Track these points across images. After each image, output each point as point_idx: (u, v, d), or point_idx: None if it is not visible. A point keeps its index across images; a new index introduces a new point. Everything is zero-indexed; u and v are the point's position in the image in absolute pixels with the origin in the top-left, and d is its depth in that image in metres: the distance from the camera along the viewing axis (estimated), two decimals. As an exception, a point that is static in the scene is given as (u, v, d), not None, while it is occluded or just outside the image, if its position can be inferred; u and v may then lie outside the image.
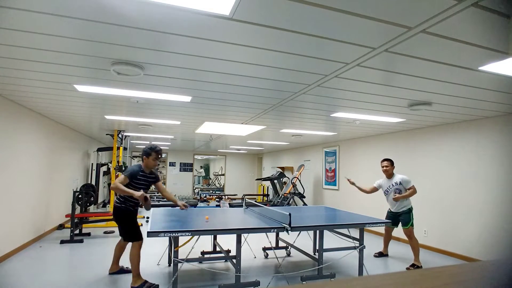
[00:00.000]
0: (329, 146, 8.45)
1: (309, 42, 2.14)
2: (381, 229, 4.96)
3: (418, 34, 1.95)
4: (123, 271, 3.75)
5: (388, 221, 3.97)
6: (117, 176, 7.12)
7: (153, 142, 10.14)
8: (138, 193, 3.23)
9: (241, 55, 2.40)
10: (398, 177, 4.46)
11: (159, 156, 3.57)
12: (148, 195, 3.37)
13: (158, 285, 3.36)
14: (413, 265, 4.36)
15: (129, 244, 3.50)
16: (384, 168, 4.54)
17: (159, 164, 3.49)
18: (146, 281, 3.34)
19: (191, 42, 2.18)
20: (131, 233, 3.49)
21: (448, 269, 0.60)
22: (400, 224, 4.47)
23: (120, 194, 3.37)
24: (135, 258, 3.38)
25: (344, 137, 7.43)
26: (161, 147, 3.58)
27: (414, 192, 4.38)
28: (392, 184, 4.47)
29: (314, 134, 6.91)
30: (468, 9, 1.64)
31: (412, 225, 4.37)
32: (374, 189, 4.70)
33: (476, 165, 4.62)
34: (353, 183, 4.70)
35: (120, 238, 3.69)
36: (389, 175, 4.53)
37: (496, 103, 3.70)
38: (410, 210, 4.43)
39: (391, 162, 4.55)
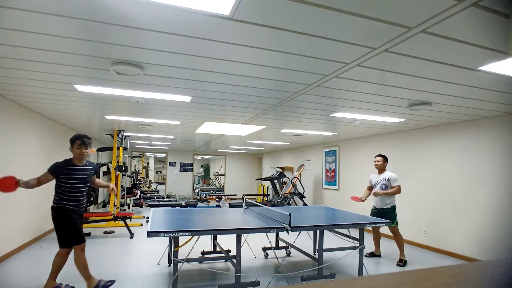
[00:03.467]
0: (329, 146, 8.45)
1: (309, 42, 2.14)
2: (381, 229, 4.98)
3: (418, 34, 1.95)
4: None
5: (388, 221, 3.97)
6: (116, 177, 7.13)
7: (152, 142, 10.15)
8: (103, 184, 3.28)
9: (241, 55, 2.40)
10: (387, 174, 4.56)
11: (83, 144, 3.18)
12: (111, 185, 3.47)
13: (114, 280, 3.31)
14: (400, 260, 4.51)
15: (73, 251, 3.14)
16: (376, 162, 4.66)
17: (86, 153, 3.23)
18: (100, 280, 3.21)
19: (191, 42, 2.18)
20: (67, 236, 3.08)
21: (448, 269, 0.60)
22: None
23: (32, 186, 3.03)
24: (82, 263, 3.10)
25: (344, 137, 7.44)
26: (85, 134, 3.24)
27: (398, 191, 4.45)
28: (381, 179, 4.58)
29: (314, 134, 6.91)
30: (468, 9, 1.64)
31: (396, 223, 4.48)
32: (371, 187, 4.78)
33: (476, 165, 4.62)
34: (364, 200, 4.69)
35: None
36: (380, 170, 4.64)
37: (496, 103, 3.70)
38: (394, 208, 4.51)
39: (384, 158, 4.66)
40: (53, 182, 3.23)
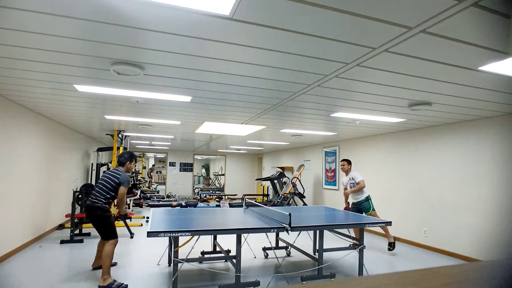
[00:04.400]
0: (329, 146, 8.45)
1: (309, 42, 2.14)
2: (381, 229, 5.02)
3: (418, 34, 1.95)
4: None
5: (388, 221, 3.96)
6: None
7: (152, 142, 10.15)
8: (124, 212, 3.81)
9: (241, 55, 2.41)
10: (351, 174, 5.20)
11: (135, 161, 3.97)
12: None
13: (127, 285, 3.40)
14: (390, 244, 4.99)
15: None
16: (342, 166, 5.32)
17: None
18: (115, 280, 3.39)
19: (191, 42, 2.18)
20: (111, 231, 3.58)
21: (448, 269, 0.60)
22: (364, 213, 4.98)
23: (120, 204, 3.70)
24: (110, 256, 3.48)
25: (344, 137, 7.44)
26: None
27: (361, 186, 5.01)
28: (348, 179, 5.23)
29: (314, 134, 6.91)
30: (468, 9, 1.64)
31: (373, 209, 5.03)
32: (346, 188, 5.31)
33: (476, 165, 4.62)
34: (348, 203, 5.35)
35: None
36: (346, 172, 5.27)
37: (496, 103, 3.70)
38: (367, 198, 5.06)
39: (348, 161, 5.29)
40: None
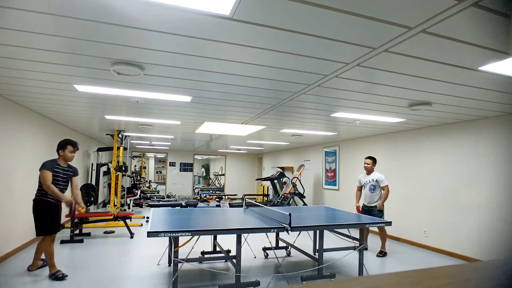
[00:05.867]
0: (329, 146, 8.45)
1: (309, 42, 2.14)
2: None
3: (418, 34, 1.95)
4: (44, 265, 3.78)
5: (388, 221, 3.97)
6: (116, 177, 7.13)
7: (152, 142, 10.16)
8: (67, 199, 3.53)
9: (241, 55, 2.40)
10: (375, 175, 4.80)
11: (75, 148, 3.77)
12: (72, 201, 3.60)
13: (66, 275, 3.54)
14: (381, 252, 4.84)
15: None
16: (366, 164, 4.87)
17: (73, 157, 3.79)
18: (58, 270, 3.54)
19: (191, 42, 2.18)
20: (44, 226, 3.52)
21: (448, 269, 0.60)
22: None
23: (50, 194, 3.47)
24: (49, 249, 3.52)
25: (344, 137, 7.44)
26: (75, 141, 3.83)
27: (388, 191, 4.70)
28: (369, 180, 4.81)
29: (314, 134, 6.91)
30: (468, 9, 1.64)
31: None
32: (361, 187, 5.00)
33: (476, 165, 4.62)
34: (358, 207, 5.01)
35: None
36: (369, 172, 4.86)
37: (496, 103, 3.70)
38: (382, 212, 4.74)
39: (374, 160, 4.86)
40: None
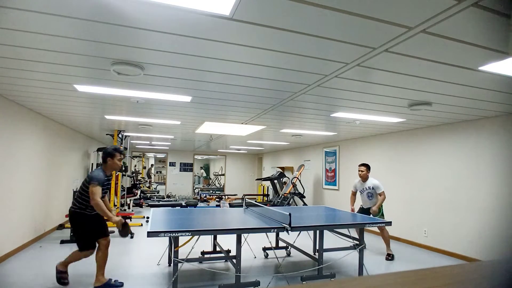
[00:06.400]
0: (329, 146, 8.45)
1: (309, 42, 2.14)
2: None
3: (418, 34, 1.95)
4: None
5: (388, 221, 3.97)
6: (116, 177, 7.13)
7: (152, 142, 10.15)
8: (116, 219, 3.22)
9: (241, 55, 2.40)
10: (371, 182, 4.76)
11: (122, 155, 3.49)
12: (126, 221, 3.36)
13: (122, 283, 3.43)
14: (388, 255, 4.73)
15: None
16: (360, 172, 4.81)
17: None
18: (110, 279, 3.39)
19: (191, 42, 2.18)
20: (81, 241, 3.28)
21: (448, 269, 0.60)
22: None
23: (98, 211, 3.14)
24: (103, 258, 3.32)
25: (344, 137, 7.44)
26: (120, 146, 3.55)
27: (384, 197, 4.69)
28: (366, 188, 4.79)
29: (314, 134, 6.91)
30: (468, 9, 1.64)
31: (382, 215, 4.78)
32: (355, 193, 5.01)
33: (476, 165, 4.62)
34: (353, 209, 5.01)
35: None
36: (364, 179, 4.80)
37: (496, 103, 3.70)
38: (381, 211, 4.76)
39: (367, 167, 4.82)
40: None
